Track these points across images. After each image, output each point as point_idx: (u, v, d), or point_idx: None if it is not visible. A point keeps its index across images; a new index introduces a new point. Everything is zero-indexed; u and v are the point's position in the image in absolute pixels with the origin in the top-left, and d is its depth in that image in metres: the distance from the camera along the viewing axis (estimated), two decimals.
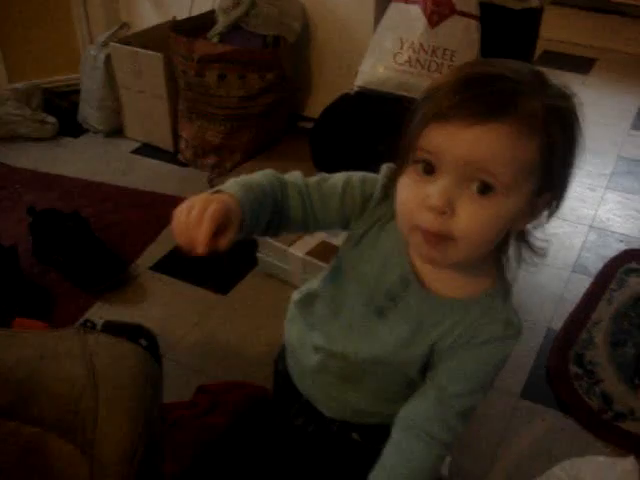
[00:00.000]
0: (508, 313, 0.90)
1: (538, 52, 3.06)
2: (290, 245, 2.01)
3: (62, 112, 2.95)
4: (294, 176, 0.95)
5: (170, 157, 2.76)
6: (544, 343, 1.91)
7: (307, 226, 0.96)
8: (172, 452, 1.54)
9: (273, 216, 0.91)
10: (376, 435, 1.02)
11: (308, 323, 1.05)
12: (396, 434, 0.94)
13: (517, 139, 0.76)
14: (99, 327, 1.22)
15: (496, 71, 0.79)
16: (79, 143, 2.89)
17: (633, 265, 2.22)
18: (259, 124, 2.60)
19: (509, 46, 2.32)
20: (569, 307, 2.03)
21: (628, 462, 1.45)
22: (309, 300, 1.06)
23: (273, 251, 2.05)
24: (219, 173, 2.60)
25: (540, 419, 1.68)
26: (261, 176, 0.93)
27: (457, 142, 0.77)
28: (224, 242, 0.80)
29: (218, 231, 0.79)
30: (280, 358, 1.14)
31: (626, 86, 3.51)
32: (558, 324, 1.97)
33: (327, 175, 0.96)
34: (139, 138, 2.87)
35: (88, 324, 1.26)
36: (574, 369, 1.82)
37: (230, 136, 2.57)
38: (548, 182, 0.81)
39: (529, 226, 0.86)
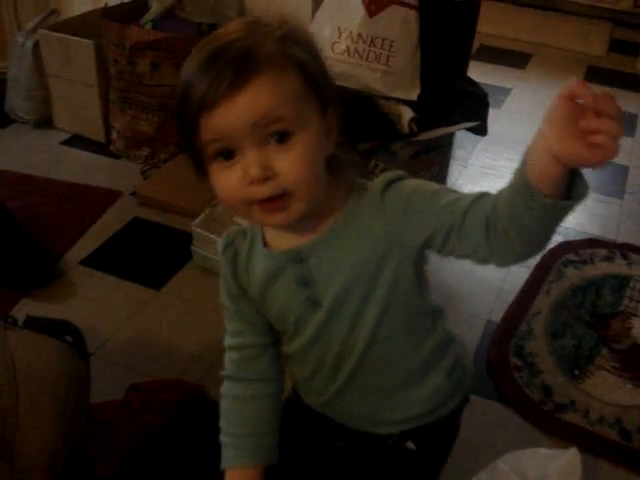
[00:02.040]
0: (372, 182, 0.91)
1: (475, 46, 3.07)
2: None
3: None
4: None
5: (101, 148, 2.67)
6: (484, 335, 1.90)
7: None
8: (104, 453, 1.48)
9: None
10: (429, 439, 1.04)
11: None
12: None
13: (276, 80, 0.80)
14: (20, 323, 1.14)
15: (222, 41, 0.81)
16: (6, 134, 2.78)
17: (571, 257, 2.23)
18: None
19: (447, 38, 2.31)
20: (508, 299, 2.03)
21: (570, 453, 1.44)
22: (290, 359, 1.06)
23: (207, 244, 1.99)
24: (153, 164, 2.52)
25: (481, 412, 1.66)
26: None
27: (233, 115, 0.79)
28: None
29: None
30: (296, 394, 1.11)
31: (562, 80, 3.53)
32: (498, 316, 1.96)
33: None
34: (69, 129, 2.77)
35: (9, 320, 1.18)
36: (514, 361, 1.81)
37: (164, 127, 2.49)
38: (325, 95, 0.85)
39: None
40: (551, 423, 1.65)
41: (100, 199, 2.36)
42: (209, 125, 0.80)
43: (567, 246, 2.28)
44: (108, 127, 2.65)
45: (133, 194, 2.36)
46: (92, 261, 2.09)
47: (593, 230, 2.39)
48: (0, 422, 0.98)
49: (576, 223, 2.41)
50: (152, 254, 2.15)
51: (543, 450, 1.47)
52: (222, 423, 1.04)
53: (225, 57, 0.80)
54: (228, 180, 0.83)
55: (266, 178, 0.81)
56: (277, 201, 0.83)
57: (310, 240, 0.90)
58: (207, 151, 0.83)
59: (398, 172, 0.91)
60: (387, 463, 1.05)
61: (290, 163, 0.81)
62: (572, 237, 2.33)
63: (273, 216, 0.85)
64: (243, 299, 0.99)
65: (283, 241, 0.92)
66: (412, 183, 0.89)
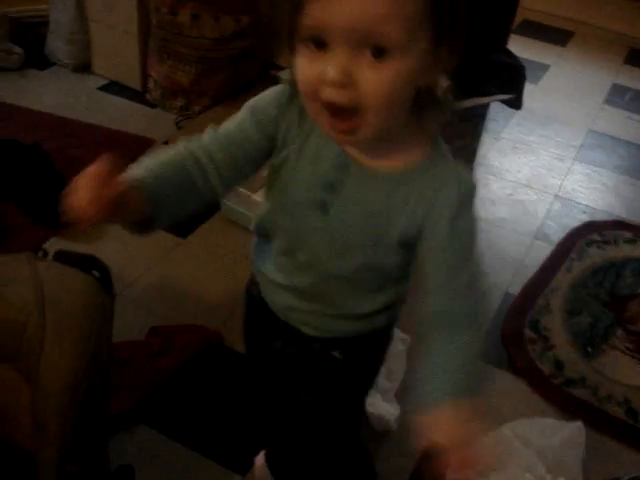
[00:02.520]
0: (456, 170, 0.88)
1: (518, 20, 3.04)
2: (255, 192, 1.98)
3: (29, 43, 2.85)
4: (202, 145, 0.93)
5: (138, 96, 2.70)
6: (501, 306, 1.92)
7: (242, 175, 0.96)
8: (120, 391, 1.53)
9: (203, 183, 0.92)
10: (357, 351, 1.04)
11: (267, 249, 1.03)
12: (427, 337, 0.90)
13: None
14: (51, 256, 1.18)
15: None
16: (45, 76, 2.80)
17: (595, 237, 2.23)
18: (231, 69, 2.55)
19: (489, 8, 2.29)
20: (528, 273, 2.04)
21: (575, 426, 1.47)
22: (263, 225, 1.02)
23: (237, 197, 2.02)
24: (187, 116, 2.55)
25: (491, 380, 1.69)
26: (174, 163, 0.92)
27: (337, 11, 0.74)
28: (111, 189, 0.81)
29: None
30: (253, 284, 1.09)
31: (602, 61, 3.51)
32: (516, 289, 1.98)
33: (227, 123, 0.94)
34: (107, 75, 2.79)
35: (40, 252, 1.22)
36: (529, 333, 1.83)
37: (200, 79, 2.52)
38: (444, 30, 0.79)
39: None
40: (559, 396, 1.68)
41: (133, 146, 2.39)
42: (312, 9, 0.76)
43: (592, 226, 2.28)
44: (145, 76, 2.67)
45: (166, 143, 2.40)
46: None
47: (620, 212, 2.39)
48: (26, 347, 1.02)
49: (603, 204, 2.41)
50: None
51: (549, 420, 1.50)
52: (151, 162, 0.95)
53: None
54: (309, 69, 0.79)
55: (344, 85, 0.77)
56: (347, 120, 0.80)
57: (365, 163, 0.89)
58: (302, 32, 0.78)
59: (471, 184, 0.88)
60: (315, 369, 1.07)
61: (376, 81, 0.77)
62: (598, 217, 2.33)
63: (337, 134, 0.82)
64: (254, 136, 0.92)
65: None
66: (472, 223, 0.89)
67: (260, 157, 0.94)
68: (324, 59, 0.77)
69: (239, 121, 0.93)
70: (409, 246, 0.91)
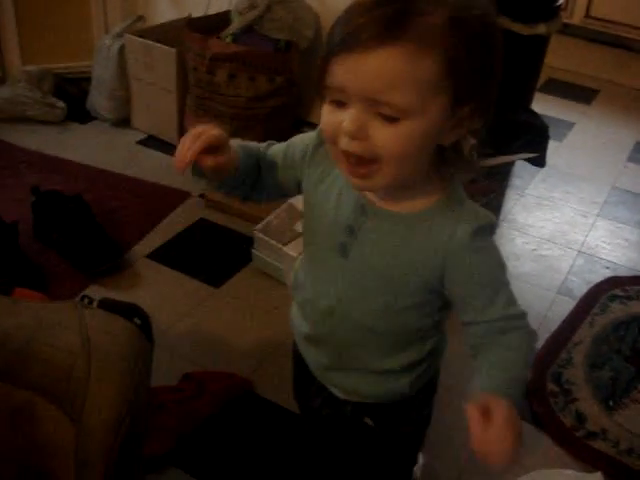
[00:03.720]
0: (473, 208, 0.92)
1: (543, 79, 3.12)
2: (285, 244, 2.05)
3: (71, 98, 2.99)
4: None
5: (174, 150, 2.77)
6: None
7: (278, 190, 1.07)
8: (154, 434, 1.58)
9: (257, 178, 1.04)
10: (389, 418, 1.07)
11: (297, 298, 1.09)
12: (476, 362, 0.94)
13: (410, 61, 0.78)
14: (96, 303, 1.26)
15: None
16: (86, 129, 2.93)
17: (617, 292, 2.27)
18: (264, 126, 2.65)
19: (514, 70, 2.37)
20: (552, 327, 2.08)
21: (594, 477, 1.50)
22: (296, 276, 1.10)
23: (268, 249, 2.10)
24: None
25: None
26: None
27: (353, 78, 0.80)
28: (210, 160, 0.92)
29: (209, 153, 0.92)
30: (295, 342, 1.16)
31: (626, 119, 3.57)
32: (540, 343, 2.02)
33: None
34: (145, 129, 2.91)
35: (85, 299, 1.30)
36: (551, 386, 1.87)
37: (235, 135, 2.55)
38: (465, 93, 0.82)
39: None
40: (581, 449, 1.71)
41: (169, 198, 2.49)
42: (334, 72, 0.81)
43: (615, 281, 2.32)
44: (182, 131, 2.77)
45: (201, 196, 2.49)
46: (157, 256, 2.22)
47: None
48: (73, 389, 1.09)
49: (626, 259, 2.45)
50: (214, 254, 2.26)
51: (568, 471, 1.53)
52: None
53: (381, 8, 0.78)
54: (330, 118, 0.85)
55: (358, 137, 0.82)
56: (363, 166, 0.85)
57: (383, 207, 0.93)
58: (326, 91, 0.85)
59: (490, 218, 0.92)
60: (348, 433, 1.11)
61: (388, 138, 0.81)
62: (621, 273, 2.37)
63: (354, 178, 0.87)
64: (290, 167, 1.03)
65: None
66: (492, 255, 0.92)
67: (281, 186, 1.06)
68: (343, 111, 0.83)
69: (278, 148, 1.05)
70: (432, 289, 0.94)
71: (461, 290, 0.93)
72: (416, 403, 1.10)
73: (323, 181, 0.99)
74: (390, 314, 0.97)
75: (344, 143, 0.84)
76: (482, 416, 0.79)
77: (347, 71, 0.80)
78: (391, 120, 0.80)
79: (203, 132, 0.92)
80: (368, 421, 1.07)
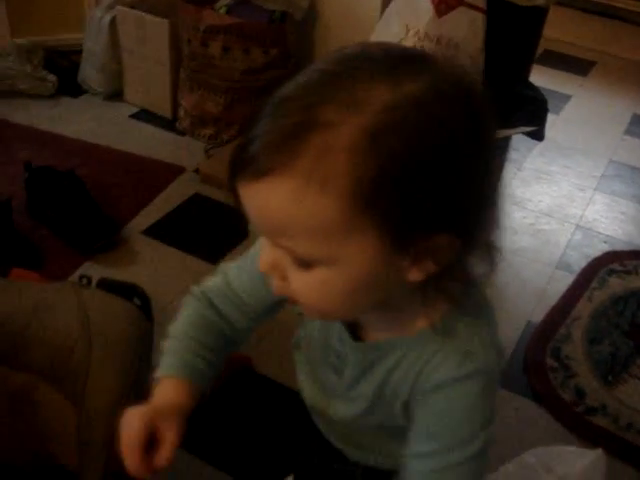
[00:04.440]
0: (468, 343, 0.71)
1: (539, 50, 3.09)
2: None
3: (62, 71, 2.94)
4: (217, 289, 0.90)
5: (168, 124, 2.77)
6: (523, 335, 1.96)
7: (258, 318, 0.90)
8: None
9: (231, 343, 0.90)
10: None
11: (300, 370, 0.94)
12: None
13: (297, 200, 0.58)
14: (94, 283, 1.24)
15: (290, 89, 0.61)
16: (78, 103, 2.89)
17: (615, 266, 2.26)
18: (259, 98, 2.62)
19: (512, 42, 2.35)
20: (550, 302, 2.08)
21: (596, 454, 1.50)
22: (297, 345, 0.94)
23: None
24: (216, 144, 2.62)
25: (513, 408, 1.73)
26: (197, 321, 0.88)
27: (245, 206, 0.62)
28: (163, 460, 0.76)
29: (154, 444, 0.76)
30: None
31: (622, 91, 3.55)
32: (538, 317, 2.02)
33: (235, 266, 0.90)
34: (138, 103, 2.87)
35: (84, 279, 1.28)
36: (550, 362, 1.87)
37: (230, 108, 2.58)
38: (415, 224, 0.60)
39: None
40: (580, 424, 1.71)
41: (164, 173, 2.46)
42: (236, 192, 0.63)
43: (613, 255, 2.31)
44: (176, 104, 2.75)
45: (196, 171, 2.46)
46: (153, 232, 2.20)
47: None
48: (73, 371, 1.07)
49: (623, 234, 2.44)
50: (210, 230, 2.24)
51: (570, 448, 1.52)
52: (174, 326, 0.89)
53: (273, 122, 0.59)
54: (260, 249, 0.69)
55: (272, 276, 0.67)
56: (291, 300, 0.68)
57: (367, 336, 0.78)
58: None
59: (481, 364, 0.71)
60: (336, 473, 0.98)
61: (302, 286, 0.65)
62: (619, 247, 2.36)
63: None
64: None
65: None
66: (475, 398, 0.72)
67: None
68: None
69: (250, 272, 0.85)
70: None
71: (413, 427, 0.77)
72: None
73: None
74: (386, 428, 0.84)
75: (270, 281, 0.69)
76: None
77: (242, 196, 0.62)
78: (301, 264, 0.63)
79: (126, 436, 0.75)
80: (358, 473, 0.96)
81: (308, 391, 0.90)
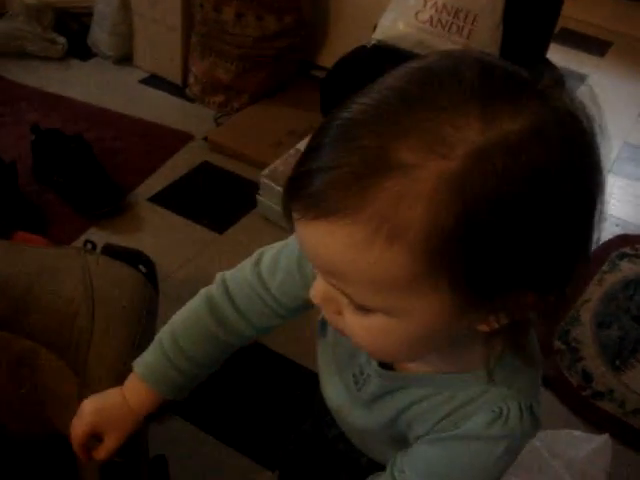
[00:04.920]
0: (506, 399, 0.65)
1: (557, 28, 3.04)
2: None
3: (72, 34, 2.89)
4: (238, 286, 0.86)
5: (178, 91, 2.73)
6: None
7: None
8: None
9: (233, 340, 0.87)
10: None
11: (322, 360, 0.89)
12: None
13: (360, 250, 0.51)
14: (99, 249, 1.22)
15: (356, 116, 0.52)
16: (87, 67, 2.84)
17: (627, 250, 2.23)
18: (271, 67, 2.57)
19: (531, 17, 2.30)
20: None
21: (602, 439, 1.48)
22: (323, 331, 0.86)
23: (274, 195, 2.05)
24: (226, 112, 2.58)
25: None
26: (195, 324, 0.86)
27: (299, 238, 0.57)
28: (100, 456, 0.84)
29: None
30: None
31: (639, 73, 3.49)
32: None
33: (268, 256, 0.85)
34: (148, 68, 2.82)
35: (89, 245, 1.25)
36: (558, 344, 1.84)
37: (241, 76, 2.54)
38: (508, 280, 0.53)
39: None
40: (586, 408, 1.69)
41: (172, 140, 2.43)
42: (290, 217, 0.57)
43: (624, 239, 2.28)
44: (186, 71, 2.70)
45: (205, 139, 2.43)
46: (160, 199, 2.17)
47: None
48: (75, 338, 1.05)
49: (636, 217, 2.40)
50: (218, 199, 2.22)
51: (576, 433, 1.51)
52: (176, 323, 0.88)
53: (343, 151, 0.51)
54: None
55: (327, 309, 0.62)
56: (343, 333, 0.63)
57: (403, 367, 0.72)
58: None
59: (505, 431, 0.65)
60: (340, 461, 0.95)
61: (356, 329, 0.60)
62: (631, 230, 2.33)
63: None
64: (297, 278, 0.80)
65: None
66: (491, 463, 0.67)
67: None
68: None
69: (287, 267, 0.81)
70: None
71: (412, 451, 0.72)
72: None
73: None
74: (400, 443, 0.78)
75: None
76: None
77: (297, 227, 0.56)
78: (358, 309, 0.57)
79: (105, 439, 0.85)
80: (363, 461, 0.92)
81: (330, 387, 0.84)
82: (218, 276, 0.89)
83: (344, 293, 0.56)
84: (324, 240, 0.53)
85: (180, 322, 0.87)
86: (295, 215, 0.55)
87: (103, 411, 0.84)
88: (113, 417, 0.84)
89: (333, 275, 0.56)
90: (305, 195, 0.52)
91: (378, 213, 0.49)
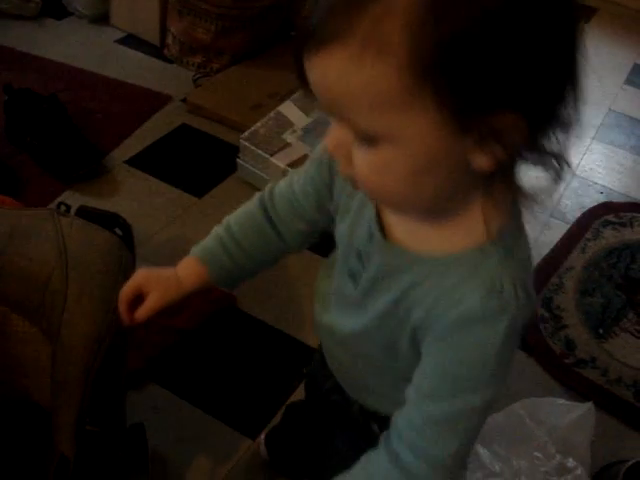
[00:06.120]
0: (498, 274, 0.66)
1: None
2: (272, 155, 1.96)
3: None
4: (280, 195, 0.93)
5: (155, 51, 2.66)
6: None
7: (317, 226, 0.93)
8: (134, 350, 1.52)
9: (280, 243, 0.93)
10: None
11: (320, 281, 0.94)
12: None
13: (353, 67, 0.56)
14: (73, 211, 1.17)
15: None
16: (62, 26, 2.76)
17: (610, 218, 2.21)
18: (252, 27, 2.51)
19: None
20: (543, 251, 2.03)
21: (585, 407, 1.47)
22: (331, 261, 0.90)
23: (254, 158, 2.00)
24: (205, 73, 2.51)
25: None
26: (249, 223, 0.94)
27: (310, 80, 0.61)
28: (139, 315, 0.91)
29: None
30: None
31: (624, 40, 3.45)
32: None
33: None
34: (125, 27, 2.74)
35: (62, 207, 1.20)
36: (541, 311, 1.83)
37: (220, 36, 2.47)
38: (480, 99, 0.56)
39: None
40: (570, 376, 1.68)
41: (150, 101, 2.37)
42: (301, 69, 0.62)
43: (608, 207, 2.26)
44: (164, 30, 2.63)
45: (183, 100, 2.37)
46: (137, 161, 2.11)
47: (636, 194, 2.36)
48: (48, 302, 1.01)
49: (620, 185, 2.38)
50: (197, 162, 2.17)
51: (560, 401, 1.49)
52: (231, 218, 0.96)
53: None
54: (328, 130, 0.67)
55: (338, 157, 0.66)
56: (355, 184, 0.67)
57: (396, 241, 0.74)
58: None
59: (502, 305, 0.65)
60: (353, 430, 0.96)
61: (364, 169, 0.64)
62: (615, 199, 2.31)
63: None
64: (328, 180, 0.85)
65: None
66: (498, 343, 0.66)
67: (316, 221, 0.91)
68: None
69: (307, 173, 0.88)
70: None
71: (423, 359, 0.72)
72: None
73: (345, 190, 0.82)
74: (394, 355, 0.79)
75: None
76: None
77: (307, 72, 0.61)
78: (365, 140, 0.61)
79: (148, 296, 0.92)
80: (375, 428, 0.92)
81: (320, 302, 0.90)
82: (267, 187, 0.95)
83: (351, 124, 0.61)
84: (325, 69, 0.58)
85: (234, 217, 0.95)
86: (305, 63, 0.60)
87: (152, 274, 0.93)
88: (160, 280, 0.92)
89: (336, 104, 0.60)
90: (307, 33, 0.58)
91: (364, 34, 0.55)
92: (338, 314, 0.86)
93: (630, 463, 1.41)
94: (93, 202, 1.91)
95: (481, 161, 0.61)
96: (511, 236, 0.69)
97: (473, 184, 0.66)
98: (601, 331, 1.81)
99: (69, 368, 0.99)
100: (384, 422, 0.82)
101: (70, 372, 0.99)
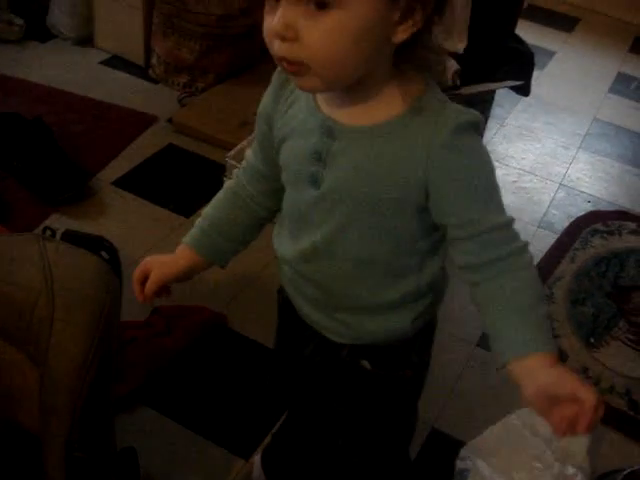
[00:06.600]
0: (454, 107, 0.81)
1: (525, 4, 3.01)
2: None
3: (30, 14, 2.80)
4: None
5: (140, 72, 2.66)
6: None
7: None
8: (123, 372, 1.51)
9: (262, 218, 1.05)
10: (388, 361, 0.98)
11: (277, 247, 1.02)
12: (485, 301, 0.86)
13: None
14: (59, 235, 1.16)
15: None
16: (46, 49, 2.76)
17: (598, 226, 2.22)
18: (236, 46, 2.51)
19: None
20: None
21: None
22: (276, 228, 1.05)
23: None
24: (190, 93, 2.52)
25: (495, 368, 1.68)
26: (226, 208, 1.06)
27: None
28: (147, 290, 1.06)
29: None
30: (282, 287, 1.07)
31: (607, 49, 3.48)
32: None
33: None
34: (109, 49, 2.75)
35: (48, 231, 1.20)
36: None
37: (205, 56, 2.48)
38: None
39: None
40: None
41: (136, 122, 2.37)
42: None
43: (596, 215, 2.27)
44: (149, 51, 2.63)
45: (169, 121, 2.37)
46: (124, 183, 2.11)
47: (623, 202, 2.38)
48: (34, 328, 1.00)
49: (607, 193, 2.40)
50: (184, 182, 2.16)
51: None
52: (207, 208, 1.08)
53: None
54: (266, 22, 0.77)
55: (286, 38, 0.75)
56: (292, 65, 0.77)
57: (350, 123, 0.84)
58: None
59: (474, 115, 0.82)
60: (345, 380, 1.02)
61: (315, 33, 0.74)
62: (602, 207, 2.32)
63: (294, 78, 0.80)
64: (266, 130, 0.95)
65: (327, 107, 0.86)
66: (479, 155, 0.84)
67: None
68: (275, 12, 0.75)
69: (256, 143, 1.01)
70: (420, 208, 0.85)
71: (447, 200, 0.83)
72: (416, 346, 1.01)
73: (287, 112, 0.90)
74: (377, 241, 0.88)
75: (275, 47, 0.77)
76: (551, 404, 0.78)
77: None
78: (321, 7, 0.73)
79: (151, 274, 1.06)
80: (365, 364, 0.97)
81: (289, 255, 0.97)
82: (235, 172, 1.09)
83: None
84: None
85: (209, 205, 1.08)
86: None
87: (155, 258, 1.08)
88: (161, 260, 1.07)
89: None
90: None
91: None
92: (306, 234, 0.93)
93: (626, 472, 1.41)
94: (80, 224, 1.91)
95: (399, 37, 0.76)
96: (434, 101, 0.82)
97: (389, 60, 0.81)
98: (592, 340, 1.81)
99: (57, 395, 0.98)
100: (374, 355, 0.97)
101: (58, 398, 0.98)
